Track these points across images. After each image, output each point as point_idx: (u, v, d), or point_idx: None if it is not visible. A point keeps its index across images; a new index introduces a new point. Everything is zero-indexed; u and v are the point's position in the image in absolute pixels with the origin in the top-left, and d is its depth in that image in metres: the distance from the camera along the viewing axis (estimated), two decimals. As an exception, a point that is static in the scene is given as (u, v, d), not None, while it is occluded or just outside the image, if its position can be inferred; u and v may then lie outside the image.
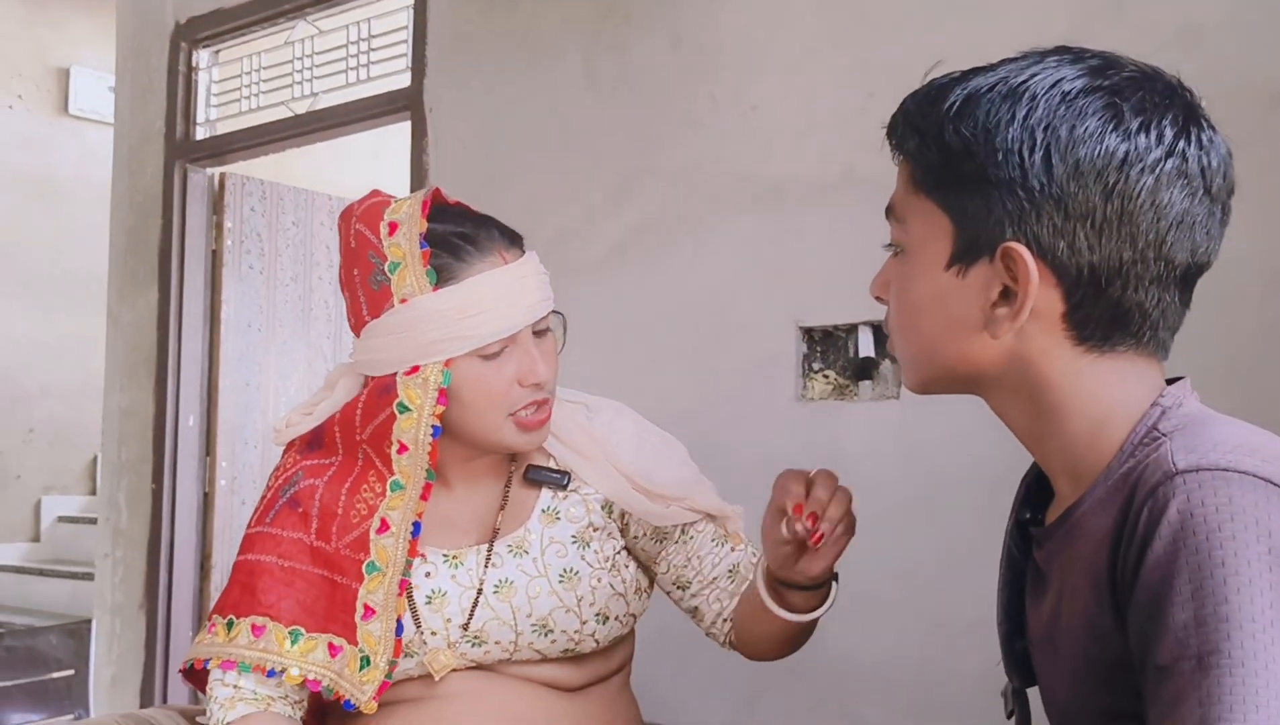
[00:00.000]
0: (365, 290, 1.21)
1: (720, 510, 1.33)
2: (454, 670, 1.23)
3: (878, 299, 0.94)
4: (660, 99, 2.47)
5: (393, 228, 1.20)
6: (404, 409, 1.19)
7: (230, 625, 1.21)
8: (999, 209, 0.80)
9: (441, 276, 1.18)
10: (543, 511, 1.29)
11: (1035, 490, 0.96)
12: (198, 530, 3.61)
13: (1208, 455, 0.73)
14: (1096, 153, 0.78)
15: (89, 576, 4.38)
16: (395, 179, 3.17)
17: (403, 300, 1.18)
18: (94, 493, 5.54)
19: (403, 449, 1.20)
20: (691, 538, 1.33)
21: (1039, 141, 0.78)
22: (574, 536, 1.28)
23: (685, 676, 2.26)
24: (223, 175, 3.68)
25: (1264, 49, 1.80)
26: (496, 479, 1.31)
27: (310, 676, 1.19)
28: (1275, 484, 0.71)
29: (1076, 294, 0.81)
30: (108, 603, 3.70)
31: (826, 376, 2.24)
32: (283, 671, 1.18)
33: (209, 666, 1.23)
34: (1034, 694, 0.99)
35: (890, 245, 0.91)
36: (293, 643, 1.19)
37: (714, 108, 2.39)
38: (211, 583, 3.60)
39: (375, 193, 1.27)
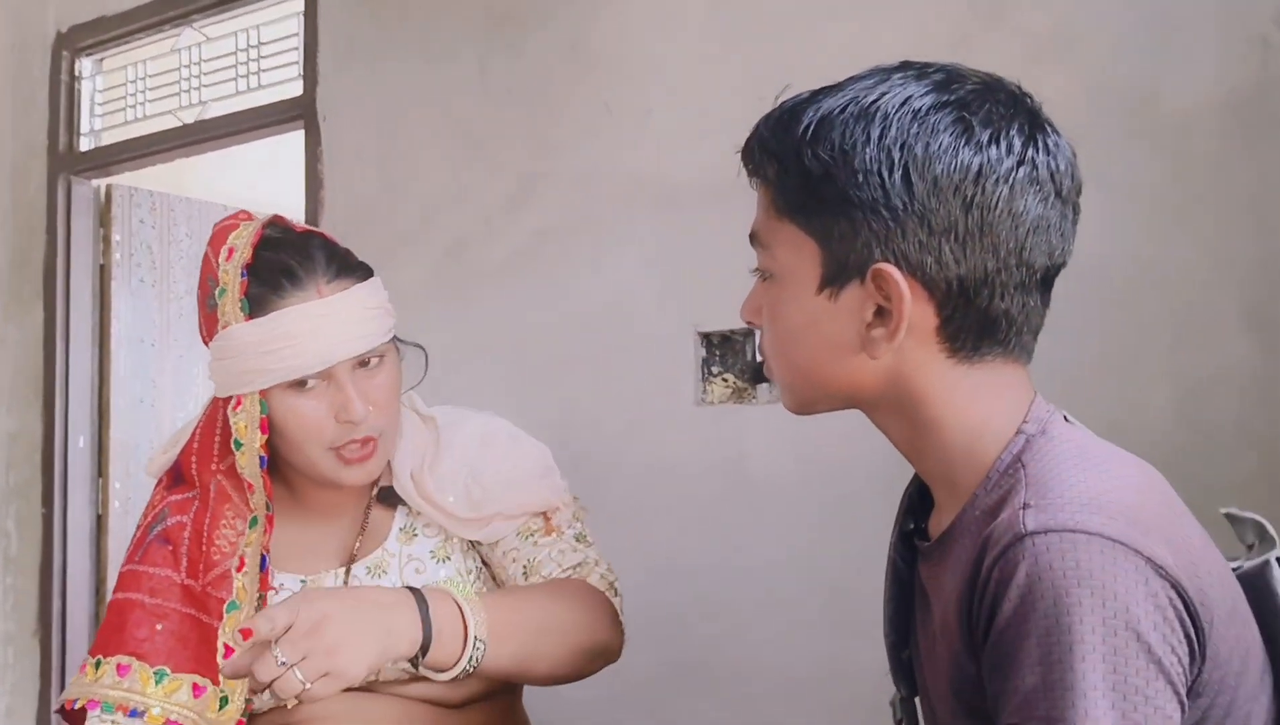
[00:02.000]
0: (203, 311, 1.22)
1: (545, 505, 1.29)
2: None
3: (749, 323, 0.94)
4: (557, 104, 2.47)
5: (229, 253, 1.19)
6: (239, 446, 1.19)
7: (98, 664, 1.21)
8: (865, 230, 0.81)
9: (254, 307, 1.17)
10: (400, 530, 1.28)
11: (917, 500, 0.97)
12: (91, 555, 3.50)
13: (1056, 515, 0.74)
14: (952, 167, 0.79)
15: (-21, 605, 4.22)
16: (291, 187, 3.11)
17: (224, 326, 1.18)
18: (-16, 517, 5.33)
19: (250, 488, 1.21)
20: (505, 538, 1.29)
21: (897, 160, 0.79)
22: (432, 552, 1.28)
23: (588, 685, 2.26)
24: (109, 187, 3.57)
25: (1133, 55, 1.86)
26: (357, 502, 1.30)
27: (172, 717, 1.18)
28: (1120, 542, 0.72)
29: (948, 307, 0.82)
30: (1, 632, 3.57)
31: (725, 380, 2.25)
32: (144, 712, 1.17)
33: (77, 706, 1.21)
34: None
35: (757, 271, 0.92)
36: (157, 682, 1.18)
37: (610, 113, 2.39)
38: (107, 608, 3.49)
39: (240, 212, 1.25)
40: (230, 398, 1.19)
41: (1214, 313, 1.79)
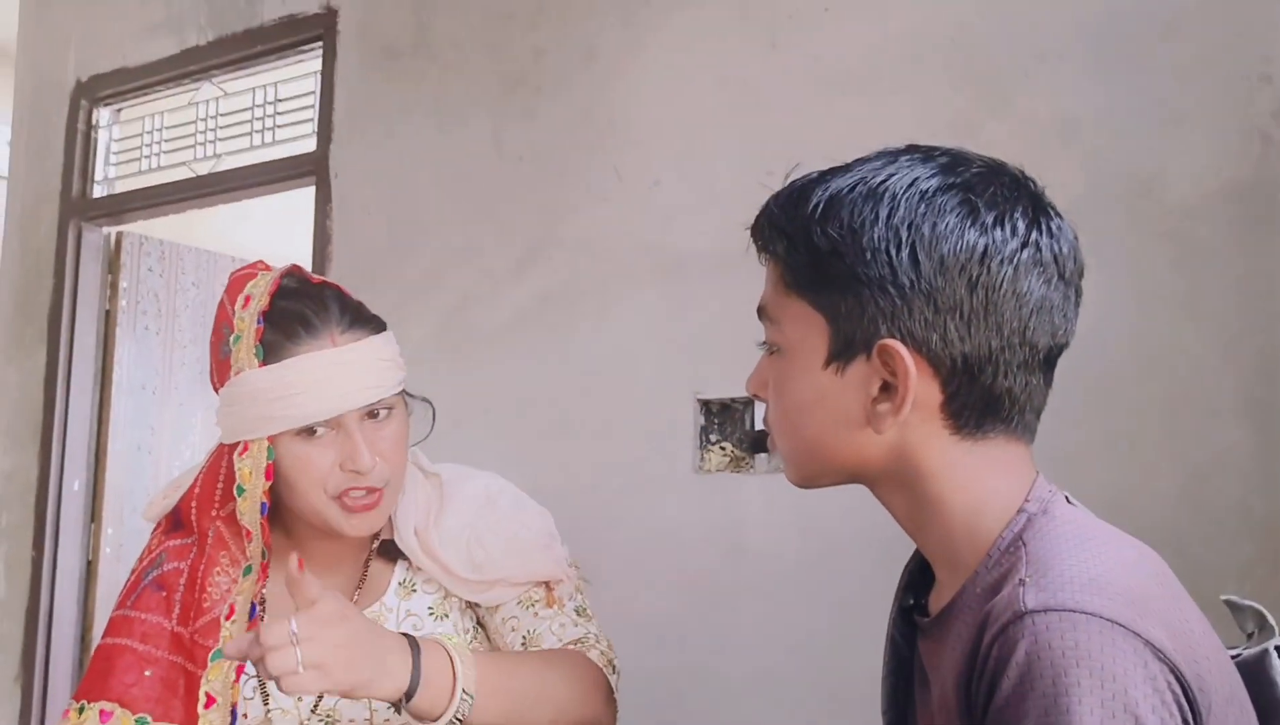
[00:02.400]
0: (215, 358, 1.23)
1: (548, 576, 1.29)
2: None
3: (755, 396, 0.95)
4: (567, 169, 2.50)
5: (246, 301, 1.21)
6: (241, 492, 1.19)
7: (81, 710, 1.19)
8: (871, 307, 0.83)
9: (268, 353, 1.18)
10: (399, 584, 1.28)
11: (918, 575, 0.97)
12: (79, 601, 3.47)
13: (1056, 595, 0.75)
14: (959, 247, 0.81)
15: (-39, 648, 4.17)
16: (300, 242, 3.14)
17: (237, 372, 1.19)
18: (-29, 559, 5.29)
19: (249, 535, 1.20)
20: (505, 604, 1.29)
21: (904, 240, 0.81)
22: (430, 609, 1.27)
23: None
24: (119, 234, 3.60)
25: (1135, 141, 1.90)
26: (357, 554, 1.30)
27: None
28: (1119, 624, 0.73)
29: (952, 383, 0.83)
30: (-20, 676, 3.53)
31: (723, 448, 2.26)
32: None
33: None
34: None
35: (764, 344, 0.93)
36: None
37: (618, 181, 2.43)
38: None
39: (257, 263, 1.27)
40: (237, 444, 1.20)
41: (1214, 397, 1.80)
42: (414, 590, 1.28)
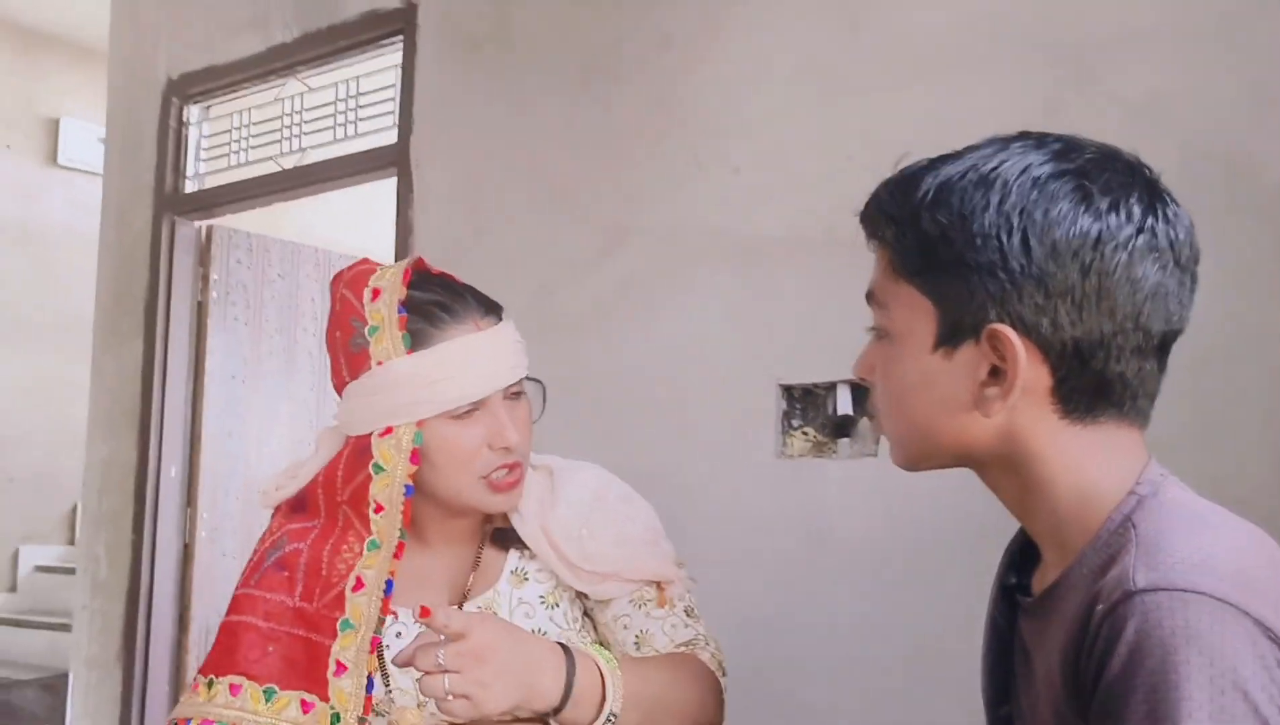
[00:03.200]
0: (346, 353, 1.25)
1: (659, 576, 1.31)
2: None
3: (861, 380, 0.96)
4: (644, 157, 2.52)
5: (375, 293, 1.24)
6: (379, 469, 1.22)
7: (211, 684, 1.24)
8: (981, 292, 0.83)
9: (415, 341, 1.21)
10: (511, 572, 1.31)
11: (1020, 556, 0.98)
12: (177, 582, 3.59)
13: (1167, 575, 0.75)
14: (1071, 233, 0.81)
15: (66, 627, 4.34)
16: (381, 233, 3.20)
17: (379, 363, 1.22)
18: (72, 542, 5.50)
19: (379, 509, 1.23)
20: (616, 600, 1.31)
21: (1015, 225, 0.82)
22: (542, 598, 1.30)
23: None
24: (210, 227, 3.71)
25: (1227, 118, 1.85)
26: (471, 540, 1.33)
27: None
28: (1229, 603, 0.73)
29: (1062, 368, 0.83)
30: (84, 654, 3.67)
31: (806, 433, 2.26)
32: None
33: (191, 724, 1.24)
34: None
35: (872, 329, 0.94)
36: (266, 700, 1.22)
37: (697, 167, 2.43)
38: (190, 635, 3.57)
39: (364, 261, 1.30)
40: (372, 431, 1.23)
41: (1311, 382, 1.75)
42: (526, 578, 1.31)
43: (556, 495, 1.32)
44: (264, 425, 3.89)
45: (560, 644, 1.11)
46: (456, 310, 1.24)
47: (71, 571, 4.73)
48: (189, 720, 1.24)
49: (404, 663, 1.05)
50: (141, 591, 3.52)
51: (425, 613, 1.02)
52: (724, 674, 1.29)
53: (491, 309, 1.28)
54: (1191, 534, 0.79)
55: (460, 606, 1.28)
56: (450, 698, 1.00)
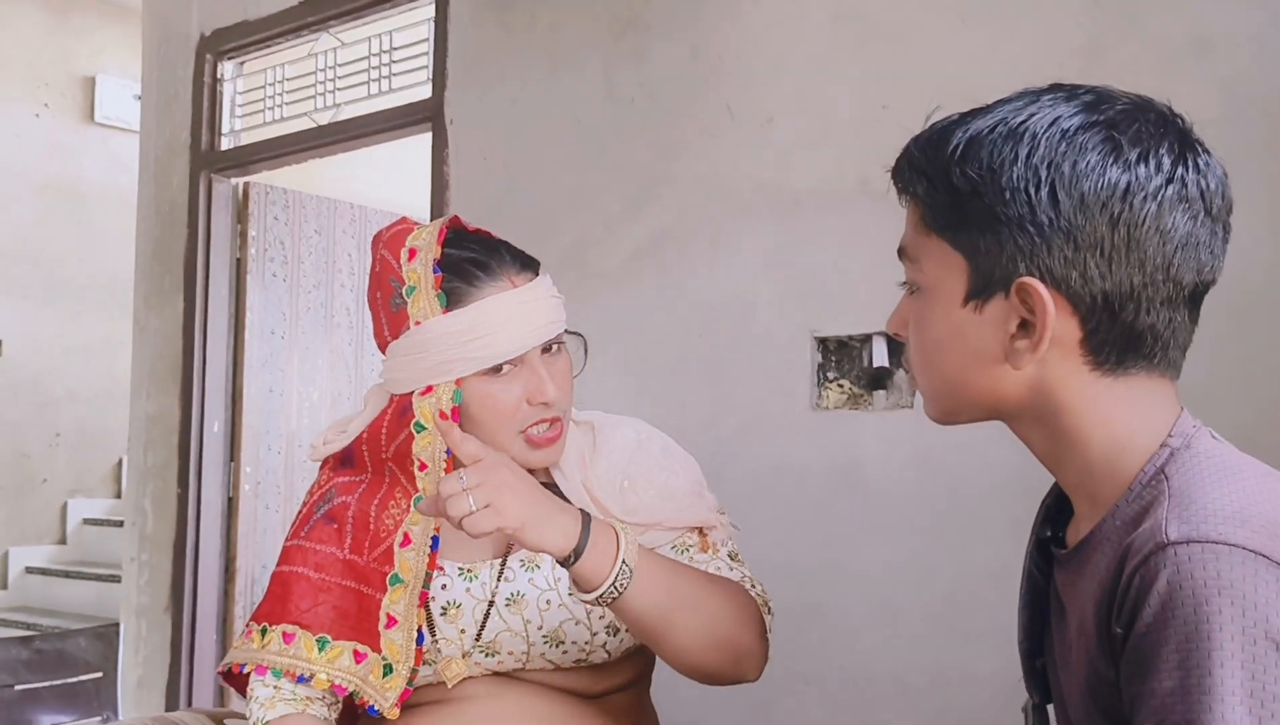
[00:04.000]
0: (386, 312, 1.27)
1: (701, 522, 1.32)
2: (471, 677, 1.27)
3: (895, 335, 0.97)
4: (678, 109, 2.50)
5: (412, 253, 1.25)
6: (420, 428, 1.24)
7: (264, 632, 1.27)
8: (1010, 245, 0.84)
9: (451, 300, 1.23)
10: None
11: (1054, 509, 0.99)
12: (222, 534, 3.67)
13: (1199, 527, 0.76)
14: (1100, 185, 0.81)
15: (114, 578, 4.45)
16: (416, 188, 3.21)
17: (416, 322, 1.23)
18: (119, 495, 5.61)
19: (423, 466, 1.25)
20: (658, 548, 1.31)
21: (1044, 178, 0.82)
22: None
23: (699, 684, 2.29)
24: (246, 184, 3.74)
25: (1270, 61, 1.82)
26: None
27: (337, 682, 1.23)
28: (1263, 555, 0.74)
29: (1092, 320, 0.84)
30: (134, 605, 3.76)
31: (841, 386, 2.26)
32: (311, 677, 1.24)
33: (245, 671, 1.28)
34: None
35: (904, 283, 0.95)
36: (320, 649, 1.24)
37: (731, 118, 2.42)
38: (236, 586, 3.66)
39: (403, 220, 1.31)
40: (414, 389, 1.25)
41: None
42: None
43: (598, 450, 1.33)
44: (304, 381, 3.94)
45: (577, 508, 1.13)
46: (492, 267, 1.24)
47: (118, 524, 4.84)
48: (243, 666, 1.27)
49: (429, 509, 1.09)
50: (188, 544, 3.59)
51: (455, 416, 1.10)
52: (770, 613, 1.29)
53: (528, 264, 1.28)
54: (1224, 486, 0.79)
55: (504, 559, 1.29)
56: (474, 509, 1.04)
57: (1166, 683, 0.74)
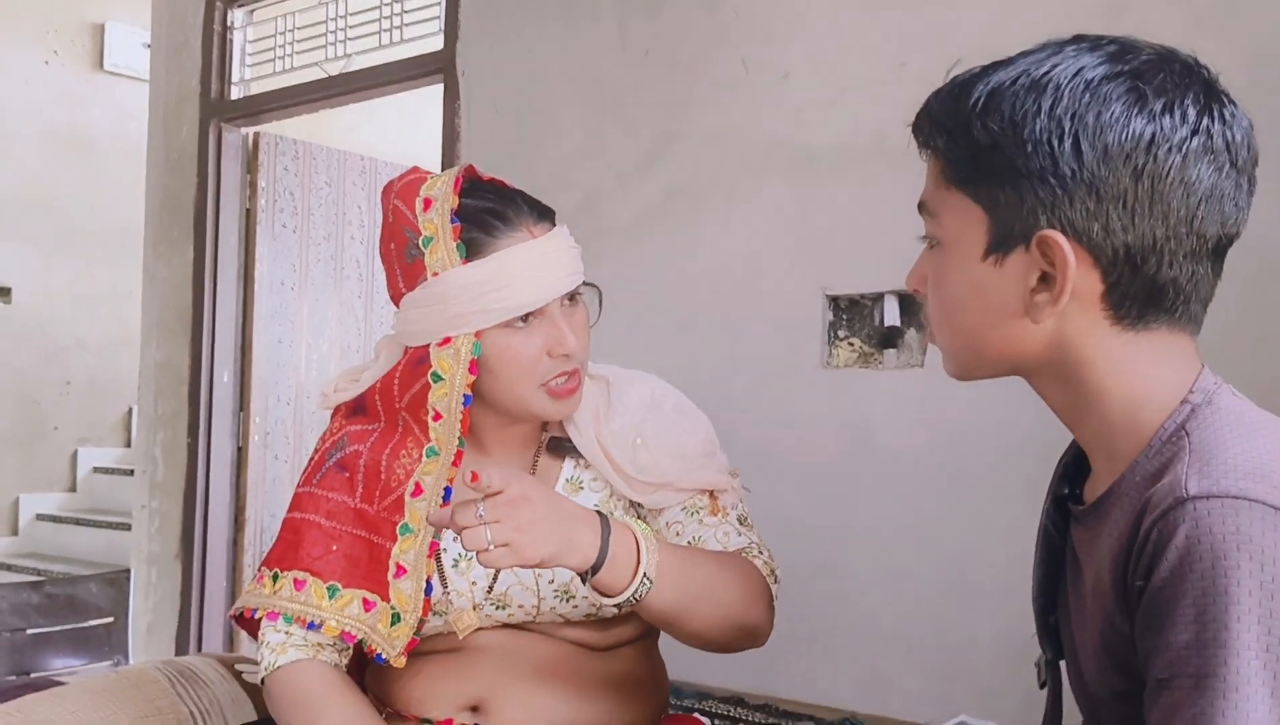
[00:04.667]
0: (401, 263, 1.26)
1: (712, 485, 1.32)
2: (481, 628, 1.28)
3: (914, 292, 0.96)
4: (694, 63, 2.48)
5: (427, 204, 1.23)
6: (438, 378, 1.23)
7: (276, 578, 1.28)
8: (1031, 198, 0.82)
9: (471, 251, 1.21)
10: (567, 481, 1.32)
11: (1073, 467, 0.98)
12: (231, 483, 3.69)
13: (1219, 482, 0.75)
14: (1124, 137, 0.80)
15: (124, 526, 4.48)
16: (427, 140, 3.19)
17: (434, 274, 1.22)
18: (129, 444, 5.64)
19: (438, 417, 1.25)
20: (668, 508, 1.32)
21: (1067, 130, 0.80)
22: (596, 507, 1.30)
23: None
24: (256, 134, 3.72)
25: (1301, 22, 1.79)
26: (527, 448, 1.34)
27: (346, 629, 1.24)
28: None
29: (1113, 274, 0.83)
30: (144, 553, 3.79)
31: (852, 344, 2.25)
32: (321, 624, 1.24)
33: (256, 616, 1.29)
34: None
35: (924, 238, 0.94)
36: (330, 597, 1.25)
37: (746, 73, 2.39)
38: (245, 534, 3.68)
39: (415, 170, 1.30)
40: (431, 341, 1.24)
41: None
42: (581, 487, 1.32)
43: (612, 406, 1.32)
44: (313, 332, 3.94)
45: (597, 512, 1.11)
46: (510, 217, 1.23)
47: (128, 473, 4.87)
48: (255, 611, 1.28)
49: (439, 522, 1.07)
50: (198, 492, 3.62)
51: (475, 477, 1.03)
52: (776, 581, 1.30)
53: (545, 214, 1.27)
54: (1246, 442, 0.79)
55: None
56: (492, 547, 1.01)
57: (1182, 636, 0.74)
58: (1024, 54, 0.86)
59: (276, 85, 3.54)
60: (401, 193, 1.26)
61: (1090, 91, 0.81)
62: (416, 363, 1.25)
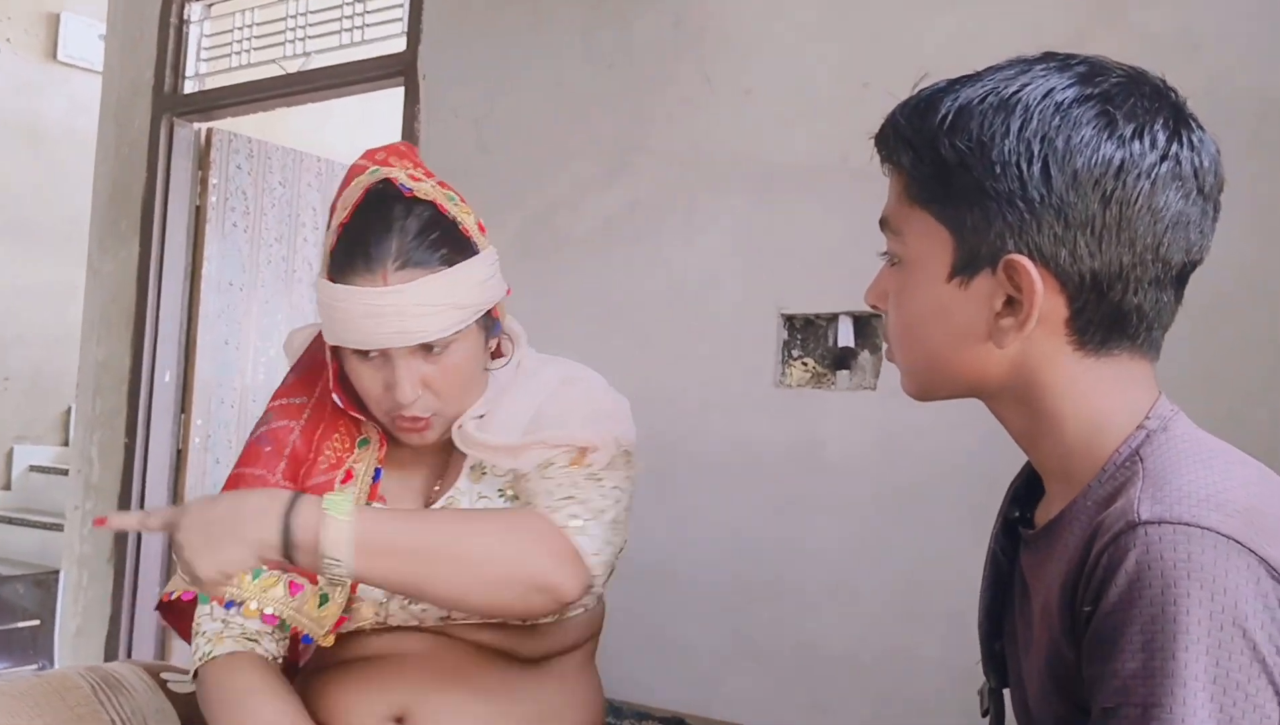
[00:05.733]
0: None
1: (585, 441, 1.22)
2: (414, 630, 1.25)
3: (873, 307, 0.94)
4: (657, 77, 2.46)
5: (333, 208, 1.24)
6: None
7: None
8: (999, 221, 0.81)
9: (333, 271, 1.20)
10: (470, 468, 1.30)
11: (1024, 490, 0.97)
12: (169, 487, 3.60)
13: (1172, 508, 0.74)
14: (1094, 161, 0.79)
15: (59, 527, 4.36)
16: (383, 142, 3.13)
17: (319, 273, 1.24)
18: (67, 443, 5.51)
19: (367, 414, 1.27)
20: (525, 471, 1.25)
21: (1036, 153, 0.79)
22: (500, 491, 1.28)
23: (649, 656, 2.28)
24: (210, 130, 3.65)
25: (1258, 58, 1.81)
26: (441, 440, 1.30)
27: (267, 611, 1.22)
28: (1235, 540, 0.72)
29: (1079, 299, 0.82)
30: (76, 554, 3.69)
31: (805, 364, 2.24)
32: (240, 604, 1.22)
33: (173, 597, 1.26)
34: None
35: (885, 254, 0.92)
36: (254, 578, 1.22)
37: (709, 89, 2.38)
38: (181, 540, 3.59)
39: (366, 153, 1.28)
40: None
41: (1321, 333, 1.73)
42: (484, 473, 1.30)
43: (514, 389, 1.29)
44: (261, 335, 3.87)
45: (297, 494, 1.06)
46: (370, 257, 1.16)
47: (65, 472, 4.75)
48: (171, 594, 1.26)
49: (101, 522, 1.06)
50: (133, 494, 3.52)
51: (99, 521, 1.05)
52: (585, 535, 1.18)
53: (419, 263, 1.17)
54: (1199, 469, 0.78)
55: (427, 505, 1.28)
56: (178, 556, 1.03)
57: (1130, 664, 0.72)
58: (992, 70, 0.85)
59: (232, 81, 3.47)
60: (345, 178, 1.26)
61: (1060, 114, 0.79)
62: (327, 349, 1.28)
